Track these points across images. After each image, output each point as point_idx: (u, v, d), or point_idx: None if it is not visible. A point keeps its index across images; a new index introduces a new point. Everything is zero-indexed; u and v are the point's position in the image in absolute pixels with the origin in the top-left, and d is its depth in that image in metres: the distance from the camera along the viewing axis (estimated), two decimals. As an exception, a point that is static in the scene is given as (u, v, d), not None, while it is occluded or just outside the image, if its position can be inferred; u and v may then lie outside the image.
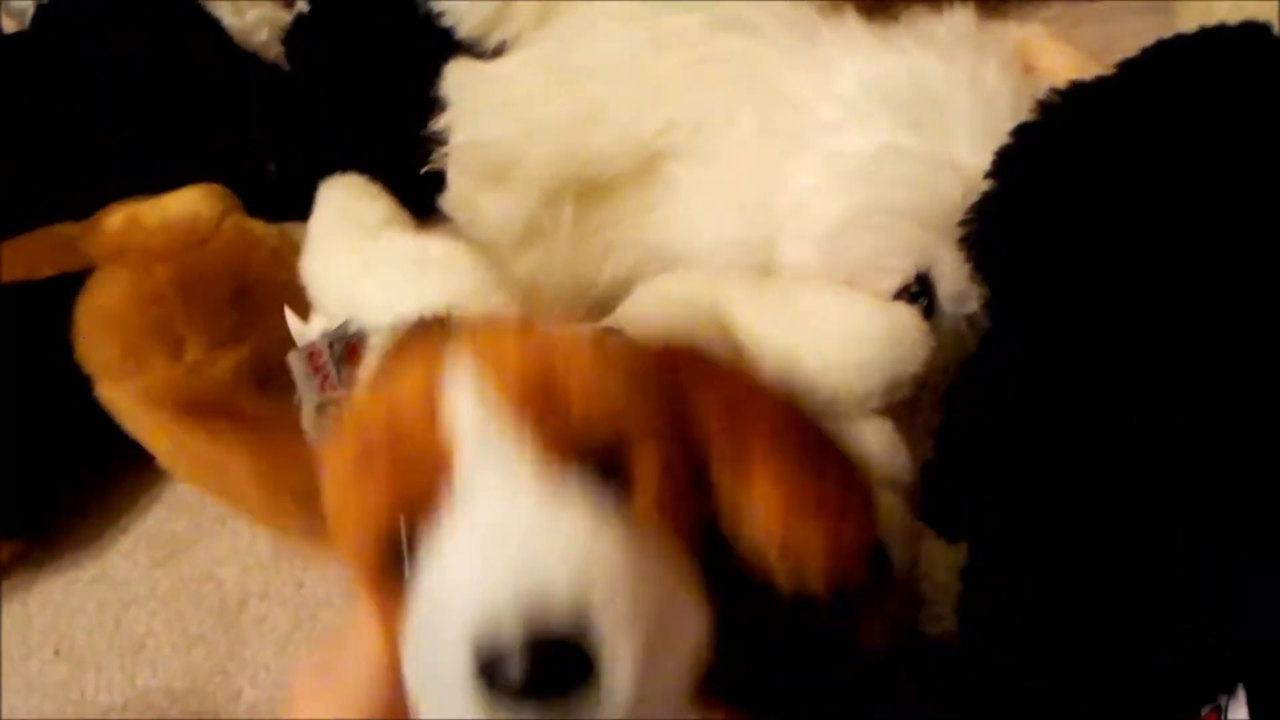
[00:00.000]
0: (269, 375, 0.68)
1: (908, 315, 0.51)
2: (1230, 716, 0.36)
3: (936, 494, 0.47)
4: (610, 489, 0.31)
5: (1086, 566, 0.39)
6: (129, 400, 0.53)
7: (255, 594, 0.67)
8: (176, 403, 0.43)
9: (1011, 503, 0.43)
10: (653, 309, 0.53)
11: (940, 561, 0.50)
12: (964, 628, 0.44)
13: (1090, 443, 0.41)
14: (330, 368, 0.58)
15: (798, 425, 0.34)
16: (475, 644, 0.28)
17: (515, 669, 0.27)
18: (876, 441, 0.50)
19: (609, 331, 0.40)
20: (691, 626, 0.31)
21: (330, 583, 0.66)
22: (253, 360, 0.68)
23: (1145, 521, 0.38)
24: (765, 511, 0.32)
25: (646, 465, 0.31)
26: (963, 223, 0.47)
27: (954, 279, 0.51)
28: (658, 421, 0.32)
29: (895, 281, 0.52)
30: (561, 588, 0.28)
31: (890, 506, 0.48)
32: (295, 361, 0.60)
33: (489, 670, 0.28)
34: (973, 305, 0.51)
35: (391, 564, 0.31)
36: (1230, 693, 0.36)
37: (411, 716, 0.32)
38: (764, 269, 0.57)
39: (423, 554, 0.31)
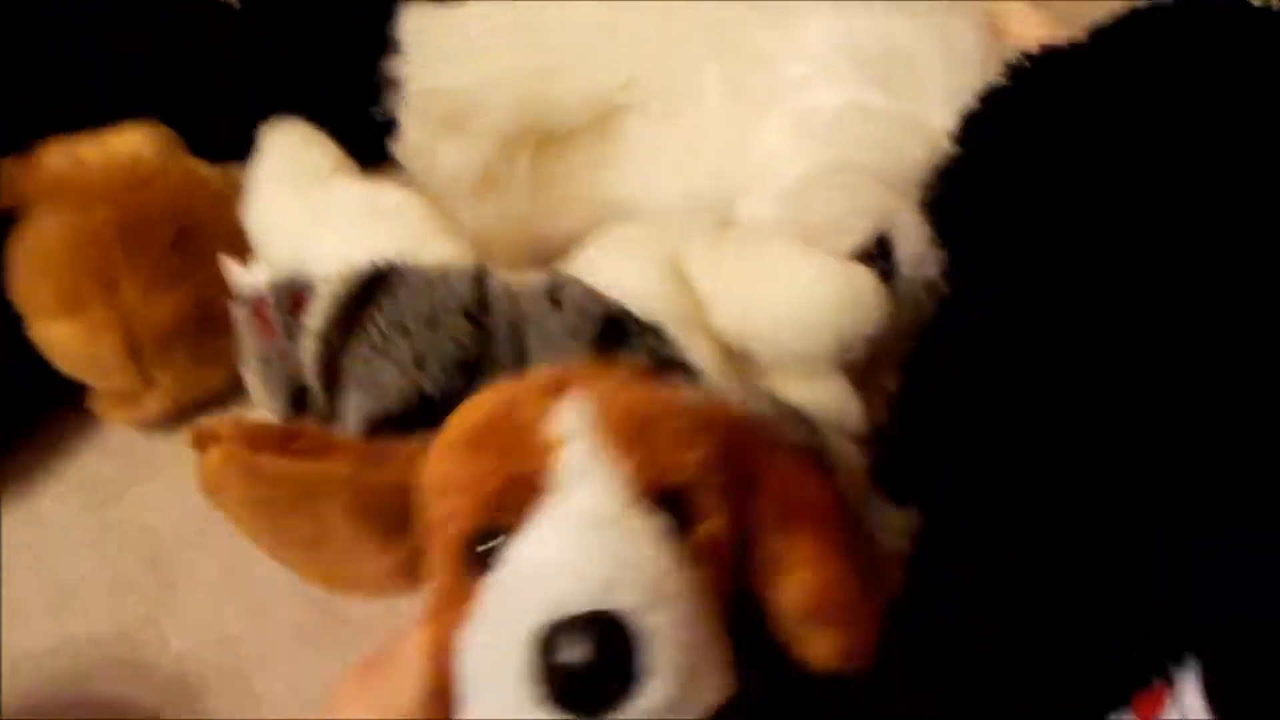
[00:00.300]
0: (210, 322, 0.66)
1: (865, 277, 0.50)
2: (1182, 686, 0.36)
3: (889, 459, 0.47)
4: (674, 529, 0.35)
5: (1039, 537, 0.39)
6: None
7: (188, 543, 0.66)
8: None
9: (967, 471, 0.42)
10: (609, 257, 0.52)
11: (887, 525, 0.49)
12: (912, 593, 0.43)
13: (1048, 415, 0.40)
14: (274, 316, 0.57)
15: (841, 517, 0.39)
16: (545, 620, 0.31)
17: (576, 647, 0.30)
18: (829, 395, 0.49)
19: (693, 391, 0.45)
20: (716, 668, 0.34)
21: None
22: (193, 306, 0.65)
23: (1099, 497, 0.38)
24: (801, 586, 0.36)
25: (707, 515, 0.36)
26: (924, 186, 0.47)
27: (914, 242, 0.51)
28: (723, 481, 0.36)
29: (854, 242, 0.51)
30: (629, 590, 0.31)
31: (848, 454, 0.48)
32: (238, 309, 0.58)
33: (550, 650, 0.30)
34: (932, 270, 0.51)
35: (475, 552, 0.35)
36: (1181, 664, 0.36)
37: None
38: (723, 224, 0.56)
39: (507, 548, 0.34)
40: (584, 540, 0.32)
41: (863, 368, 0.53)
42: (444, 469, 0.36)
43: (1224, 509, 0.37)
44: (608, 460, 0.34)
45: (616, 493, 0.34)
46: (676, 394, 0.39)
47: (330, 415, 0.55)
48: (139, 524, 0.67)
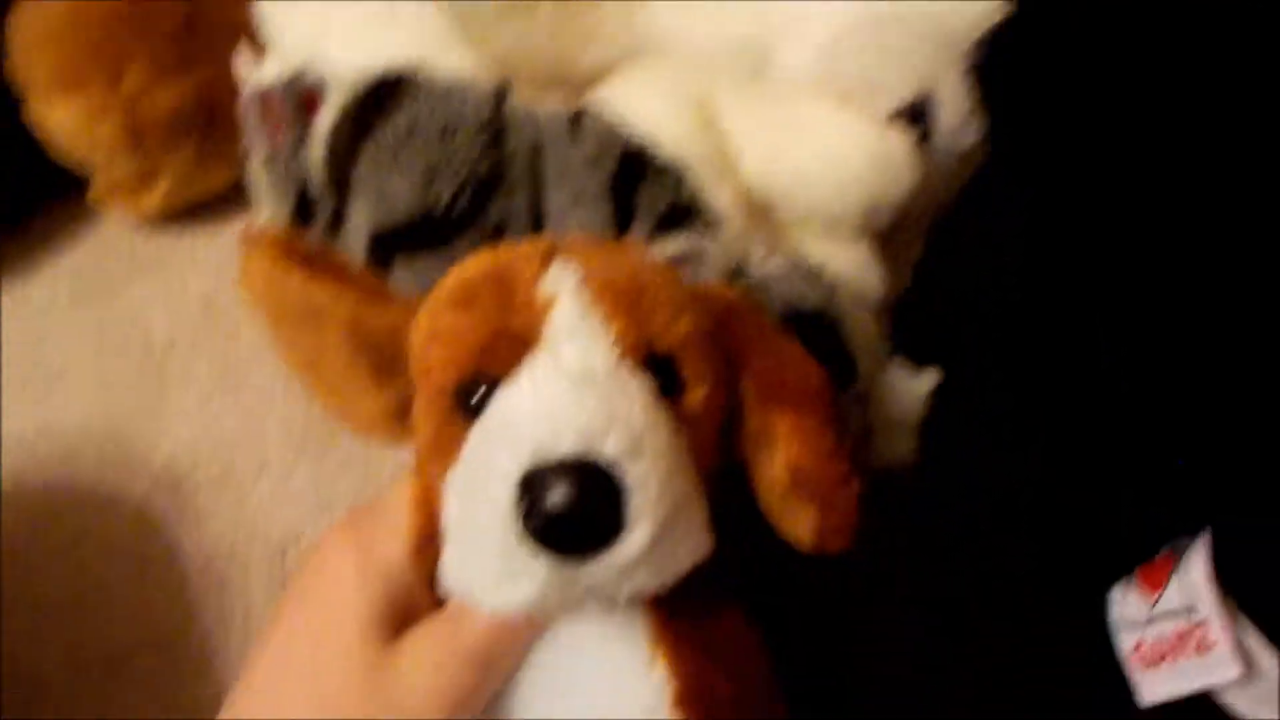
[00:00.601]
0: (216, 117, 0.64)
1: (899, 141, 0.48)
2: (1189, 558, 0.36)
3: (910, 327, 0.46)
4: (661, 392, 0.35)
5: (1055, 409, 0.38)
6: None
7: (183, 343, 0.65)
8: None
9: (987, 343, 0.42)
10: (636, 91, 0.50)
11: (897, 390, 0.49)
12: (926, 458, 0.43)
13: (1075, 295, 0.39)
14: (283, 114, 0.54)
15: (826, 397, 0.39)
16: (531, 463, 0.31)
17: (560, 489, 0.30)
18: (850, 258, 0.48)
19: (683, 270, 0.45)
20: (695, 529, 0.34)
21: (262, 344, 0.64)
22: (199, 97, 0.63)
23: (1123, 370, 0.37)
24: (783, 459, 0.37)
25: (695, 384, 0.36)
26: (974, 47, 0.45)
27: (955, 108, 0.49)
28: (712, 353, 0.37)
29: (892, 103, 0.49)
30: (615, 438, 0.31)
31: (864, 321, 0.47)
32: (246, 103, 0.56)
33: (533, 488, 0.31)
34: (970, 139, 0.49)
35: (462, 402, 0.35)
36: (1192, 535, 0.36)
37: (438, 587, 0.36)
38: (756, 73, 0.53)
39: (494, 397, 0.34)
40: (571, 389, 0.33)
41: (888, 235, 0.52)
42: (433, 321, 0.37)
43: (1242, 381, 0.37)
44: (597, 319, 0.35)
45: (605, 350, 0.34)
46: (669, 268, 0.39)
47: (336, 225, 0.53)
48: (133, 322, 0.66)
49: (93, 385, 0.64)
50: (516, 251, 0.38)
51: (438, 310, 0.37)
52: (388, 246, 0.53)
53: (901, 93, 0.49)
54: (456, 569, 0.34)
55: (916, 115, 0.50)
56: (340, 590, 0.36)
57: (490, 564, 0.32)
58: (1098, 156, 0.42)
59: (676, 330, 0.36)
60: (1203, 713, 0.38)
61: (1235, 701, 0.37)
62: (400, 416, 0.40)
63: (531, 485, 0.31)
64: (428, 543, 0.37)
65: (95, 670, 0.55)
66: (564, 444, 0.31)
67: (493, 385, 0.35)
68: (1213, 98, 0.40)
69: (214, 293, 0.67)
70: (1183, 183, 0.40)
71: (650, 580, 0.33)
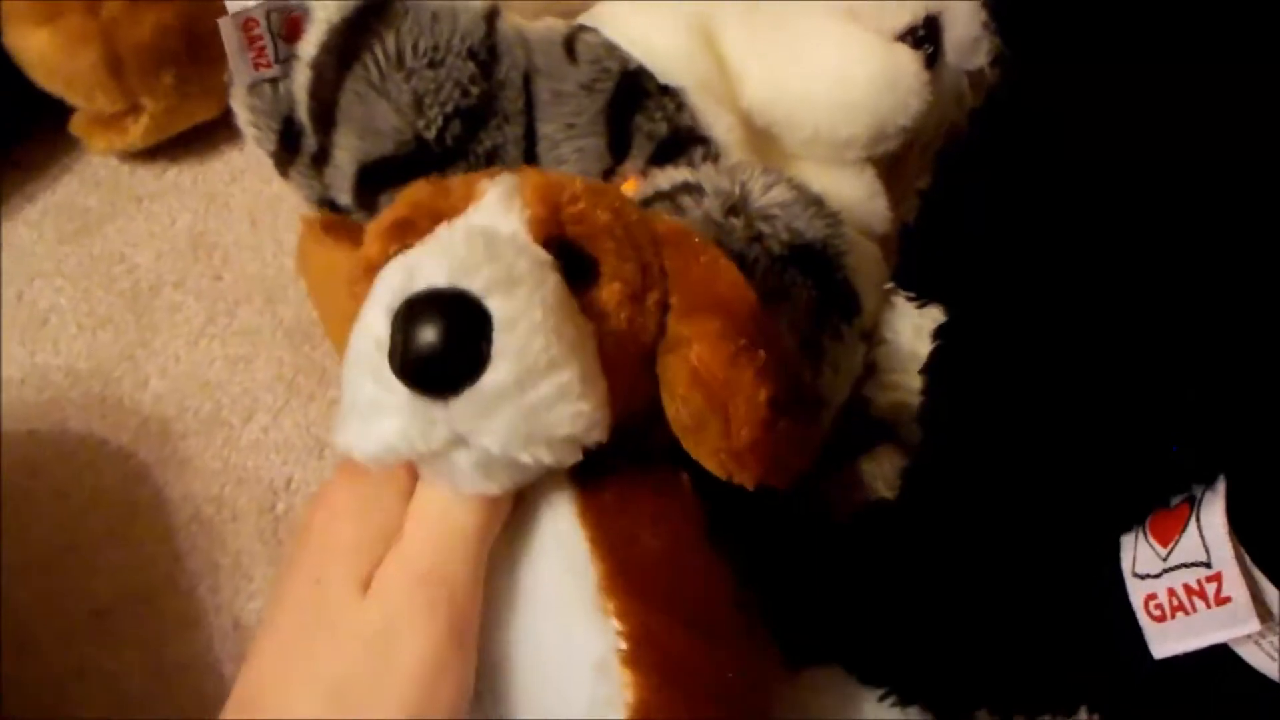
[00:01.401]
0: (198, 46, 0.62)
1: (908, 60, 0.47)
2: (1204, 507, 0.35)
3: (916, 257, 0.44)
4: (571, 276, 0.35)
5: (1066, 343, 0.37)
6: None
7: (170, 282, 0.63)
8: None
9: (997, 273, 0.40)
10: (634, 11, 0.48)
11: (900, 327, 0.47)
12: (932, 392, 0.42)
13: (1093, 220, 0.38)
14: (266, 41, 0.53)
15: (748, 307, 0.37)
16: (404, 289, 0.31)
17: (427, 324, 0.31)
18: (854, 188, 0.46)
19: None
20: (581, 399, 0.33)
21: (252, 283, 0.63)
22: (180, 24, 0.61)
23: (1136, 308, 0.36)
24: (686, 360, 0.36)
25: (611, 275, 0.36)
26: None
27: (965, 27, 0.47)
28: (633, 258, 0.37)
29: (902, 21, 0.47)
30: (490, 270, 0.32)
31: (869, 253, 0.45)
32: (227, 29, 0.54)
33: (404, 323, 0.31)
34: (980, 60, 0.47)
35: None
36: (1207, 484, 0.35)
37: None
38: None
39: None
40: (463, 238, 0.33)
41: (893, 163, 0.50)
42: (378, 221, 0.38)
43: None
44: (516, 202, 0.36)
45: (511, 222, 0.35)
46: (614, 190, 0.39)
47: (322, 155, 0.52)
48: (119, 259, 0.64)
49: (79, 327, 0.62)
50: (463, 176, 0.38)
51: (380, 218, 0.38)
52: (375, 180, 0.51)
53: (910, 10, 0.47)
54: (341, 417, 0.34)
55: (925, 35, 0.48)
56: (337, 538, 0.36)
57: (362, 401, 0.32)
58: (1120, 83, 0.39)
59: (592, 219, 0.36)
60: (1217, 664, 0.36)
61: (1251, 655, 0.35)
62: None
63: (402, 317, 0.31)
64: None
65: (82, 622, 0.54)
66: (436, 274, 0.31)
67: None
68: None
69: (201, 228, 0.66)
70: (1213, 110, 0.37)
71: (514, 431, 0.32)
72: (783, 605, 0.42)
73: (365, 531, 0.36)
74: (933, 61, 0.48)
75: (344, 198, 0.52)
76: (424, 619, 0.34)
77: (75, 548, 0.56)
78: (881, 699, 0.44)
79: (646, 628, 0.34)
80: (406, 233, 0.36)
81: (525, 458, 0.32)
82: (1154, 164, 0.36)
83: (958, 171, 0.45)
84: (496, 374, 0.31)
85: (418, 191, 0.37)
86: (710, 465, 0.37)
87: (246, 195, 0.66)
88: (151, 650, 0.54)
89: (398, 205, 0.37)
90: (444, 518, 0.35)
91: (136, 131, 0.64)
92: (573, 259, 0.35)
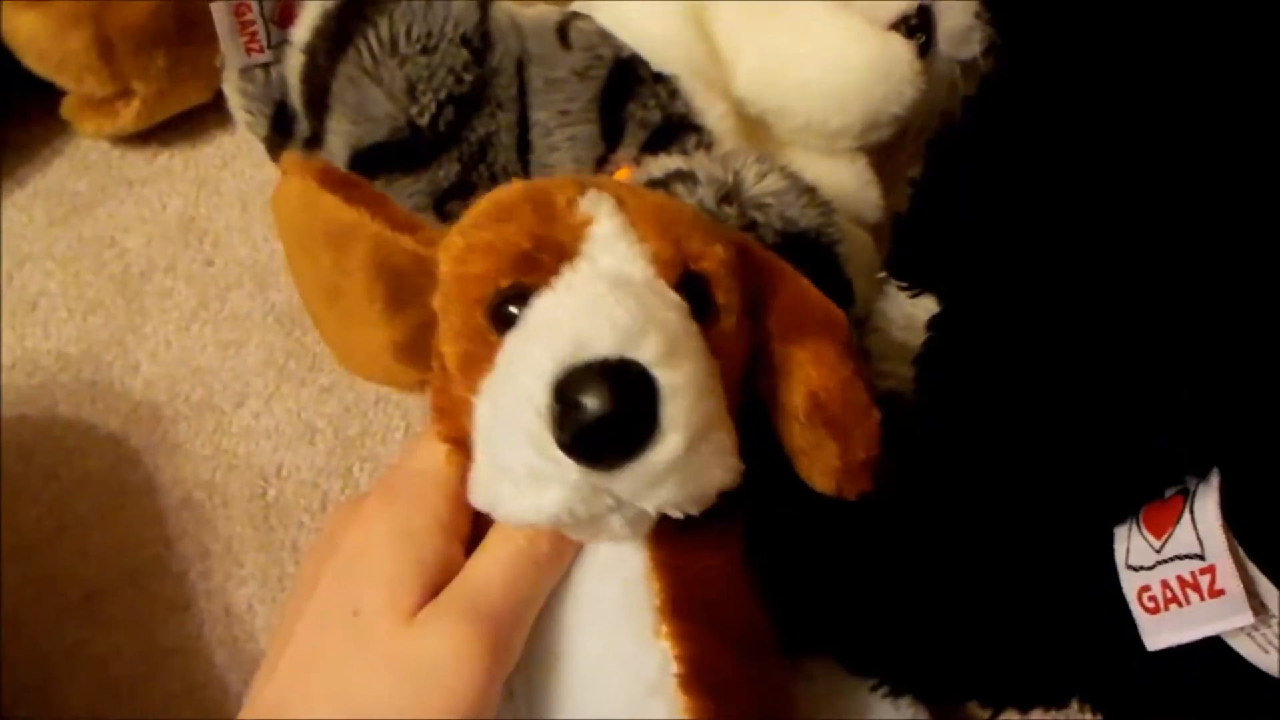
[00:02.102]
0: (190, 29, 0.61)
1: (901, 49, 0.47)
2: (1198, 499, 0.35)
3: (908, 246, 0.44)
4: (692, 313, 0.35)
5: (1060, 332, 0.37)
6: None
7: (160, 266, 0.63)
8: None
9: (983, 261, 0.40)
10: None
11: (892, 317, 0.47)
12: (924, 382, 0.42)
13: (1085, 205, 0.38)
14: (259, 25, 0.53)
15: (845, 329, 0.38)
16: (567, 363, 0.31)
17: (595, 393, 0.30)
18: (846, 176, 0.46)
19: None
20: (726, 450, 0.34)
21: (243, 268, 0.63)
22: (171, 6, 0.60)
23: (1129, 300, 0.36)
24: (805, 385, 0.37)
25: (728, 306, 0.36)
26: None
27: (958, 16, 0.47)
28: (739, 286, 0.36)
29: (895, 9, 0.47)
30: (651, 343, 0.31)
31: (861, 241, 0.45)
32: (219, 13, 0.54)
33: (568, 390, 0.30)
34: (973, 49, 0.47)
35: (499, 311, 0.34)
36: (1201, 476, 0.35)
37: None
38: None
39: (533, 302, 0.34)
40: (610, 292, 0.32)
41: (886, 152, 0.50)
42: (469, 236, 0.36)
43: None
44: (634, 236, 0.34)
45: (642, 264, 0.34)
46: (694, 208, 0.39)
47: (315, 140, 0.51)
48: (109, 243, 0.64)
49: (69, 311, 0.62)
50: (549, 181, 0.37)
51: (474, 226, 0.36)
52: (368, 166, 0.51)
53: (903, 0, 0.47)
54: (485, 476, 0.34)
55: (918, 24, 0.48)
56: (374, 567, 0.36)
57: (520, 469, 0.32)
58: (1113, 72, 0.39)
59: (711, 254, 0.35)
60: (1210, 656, 0.36)
61: (1244, 648, 0.35)
62: (402, 353, 0.40)
63: (567, 387, 0.30)
64: (454, 454, 0.37)
65: (72, 606, 0.54)
66: (602, 343, 0.31)
67: (528, 296, 0.34)
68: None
69: (192, 212, 0.65)
70: (1210, 108, 0.37)
71: (678, 495, 0.32)
72: (775, 594, 0.43)
73: (407, 563, 0.36)
74: (925, 51, 0.48)
75: (336, 183, 0.52)
76: (475, 653, 0.34)
77: (66, 531, 0.56)
78: (873, 690, 0.44)
79: (702, 652, 0.36)
80: (524, 267, 0.34)
81: (677, 513, 0.33)
82: (1142, 155, 0.36)
83: (947, 160, 0.45)
84: (666, 446, 0.31)
85: (521, 215, 0.35)
86: (821, 483, 0.38)
87: (238, 180, 0.66)
88: (142, 634, 0.54)
89: (507, 231, 0.35)
90: (521, 558, 0.36)
91: (127, 115, 0.64)
92: (695, 295, 0.35)
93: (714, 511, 0.35)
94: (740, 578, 0.39)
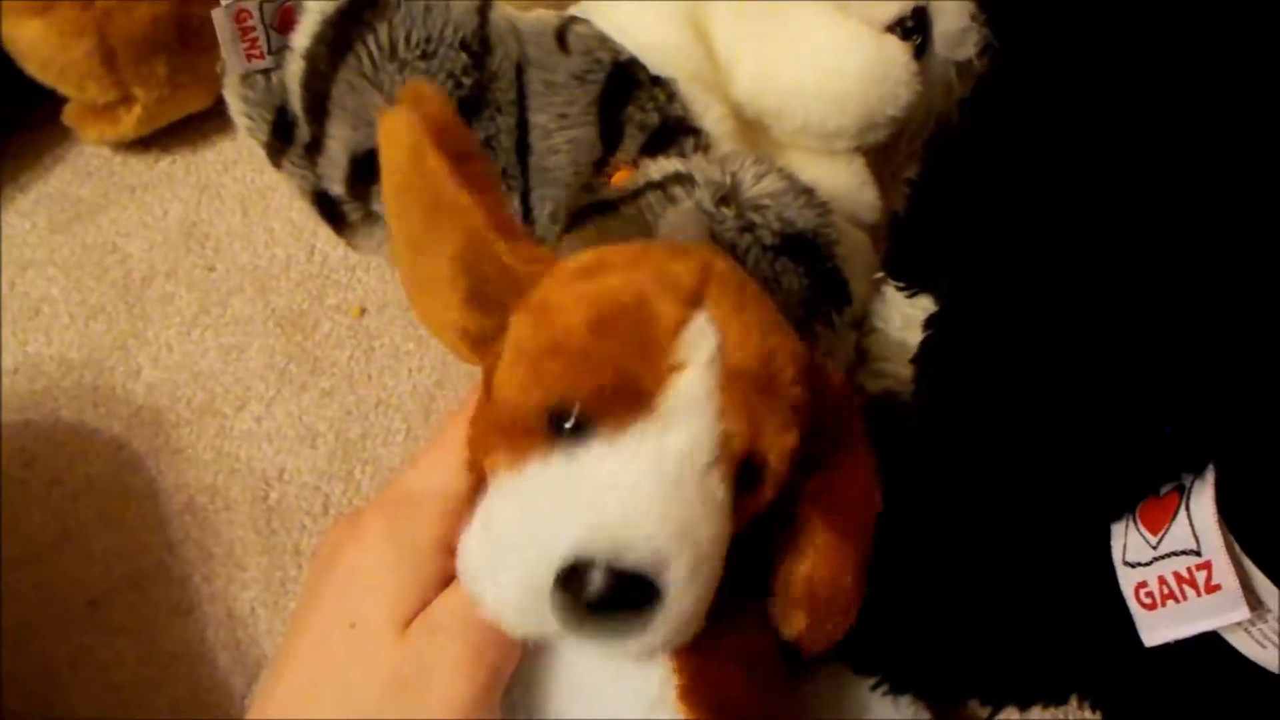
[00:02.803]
0: (191, 36, 0.62)
1: (898, 51, 0.47)
2: (1194, 496, 0.35)
3: (905, 246, 0.44)
4: (740, 488, 0.34)
5: (1052, 329, 0.37)
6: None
7: (162, 271, 0.63)
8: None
9: (987, 261, 0.40)
10: (626, 2, 0.48)
11: (890, 317, 0.48)
12: (922, 381, 0.42)
13: (1080, 206, 0.38)
14: (259, 31, 0.53)
15: (873, 524, 0.38)
16: (595, 543, 0.31)
17: (605, 586, 0.30)
18: (843, 177, 0.47)
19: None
20: (707, 598, 0.34)
21: (244, 273, 0.63)
22: (173, 15, 0.61)
23: (1122, 300, 0.36)
24: (810, 566, 0.37)
25: (773, 484, 0.35)
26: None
27: (954, 18, 0.47)
28: (799, 454, 0.35)
29: (891, 11, 0.47)
30: (680, 561, 0.31)
31: (859, 242, 0.45)
32: (220, 20, 0.54)
33: (581, 568, 0.30)
34: (968, 51, 0.47)
35: (557, 421, 0.33)
36: (1196, 473, 0.35)
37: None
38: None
39: (581, 439, 0.33)
40: (661, 496, 0.32)
41: (883, 153, 0.51)
42: (562, 326, 0.34)
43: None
44: (715, 408, 0.33)
45: (710, 447, 0.33)
46: (799, 345, 0.37)
47: (315, 146, 0.52)
48: (111, 249, 0.64)
49: (71, 317, 0.63)
50: (663, 277, 0.35)
51: (569, 323, 0.34)
52: (368, 170, 0.51)
53: (899, 2, 0.47)
54: (476, 571, 0.34)
55: (914, 26, 0.48)
56: (373, 581, 0.37)
57: (511, 593, 0.32)
58: (1106, 72, 0.40)
59: (780, 444, 0.34)
60: (1207, 651, 0.36)
61: (1241, 642, 0.35)
62: (468, 340, 0.39)
63: (583, 571, 0.31)
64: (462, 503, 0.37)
65: (76, 610, 0.55)
66: (632, 554, 0.31)
67: (590, 424, 0.33)
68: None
69: (193, 218, 0.66)
70: (1203, 114, 0.38)
71: (651, 653, 0.33)
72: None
73: (405, 577, 0.36)
74: (921, 53, 0.48)
75: (337, 187, 0.53)
76: (468, 664, 0.35)
77: (68, 537, 0.56)
78: (874, 688, 0.44)
79: (703, 666, 0.36)
80: (601, 399, 0.33)
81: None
82: (1135, 157, 0.37)
83: (943, 161, 0.45)
84: (646, 638, 0.32)
85: (620, 333, 0.34)
86: (782, 632, 0.38)
87: (239, 185, 0.67)
88: (145, 639, 0.54)
89: (604, 348, 0.33)
90: None
91: (129, 122, 0.64)
92: (746, 472, 0.34)
93: None
94: (761, 653, 0.39)
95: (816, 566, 0.37)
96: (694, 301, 0.34)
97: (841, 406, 0.38)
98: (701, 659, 0.36)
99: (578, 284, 0.35)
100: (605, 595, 0.30)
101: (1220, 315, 0.35)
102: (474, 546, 0.34)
